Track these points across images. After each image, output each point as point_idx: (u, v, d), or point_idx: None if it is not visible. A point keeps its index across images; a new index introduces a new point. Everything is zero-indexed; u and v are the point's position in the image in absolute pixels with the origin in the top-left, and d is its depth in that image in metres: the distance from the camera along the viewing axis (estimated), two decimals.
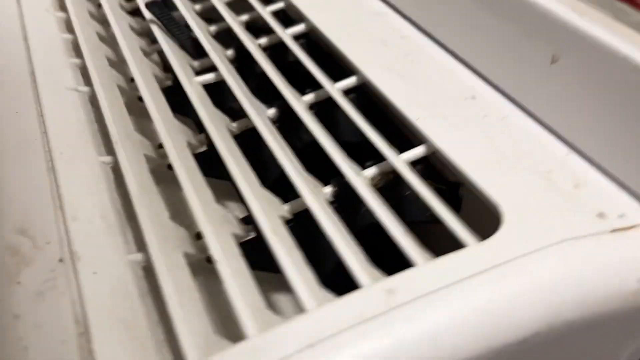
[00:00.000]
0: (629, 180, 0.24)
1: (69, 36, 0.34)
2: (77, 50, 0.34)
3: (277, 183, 0.25)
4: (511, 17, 0.28)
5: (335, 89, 0.28)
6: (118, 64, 0.33)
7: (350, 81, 0.29)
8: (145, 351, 0.18)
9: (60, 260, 0.21)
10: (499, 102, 0.28)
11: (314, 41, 0.33)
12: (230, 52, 0.33)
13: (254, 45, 0.31)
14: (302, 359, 0.17)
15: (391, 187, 0.25)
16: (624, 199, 0.23)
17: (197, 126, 0.29)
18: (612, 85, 0.24)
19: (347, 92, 0.29)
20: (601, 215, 0.22)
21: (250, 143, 0.27)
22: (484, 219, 0.22)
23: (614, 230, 0.22)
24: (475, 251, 0.20)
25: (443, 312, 0.18)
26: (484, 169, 0.23)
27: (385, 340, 0.18)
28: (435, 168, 0.26)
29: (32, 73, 0.30)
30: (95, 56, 0.31)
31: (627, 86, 0.24)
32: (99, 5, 0.38)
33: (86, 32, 0.33)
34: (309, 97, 0.29)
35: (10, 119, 0.27)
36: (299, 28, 0.33)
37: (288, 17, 0.35)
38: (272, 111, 0.28)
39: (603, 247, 0.21)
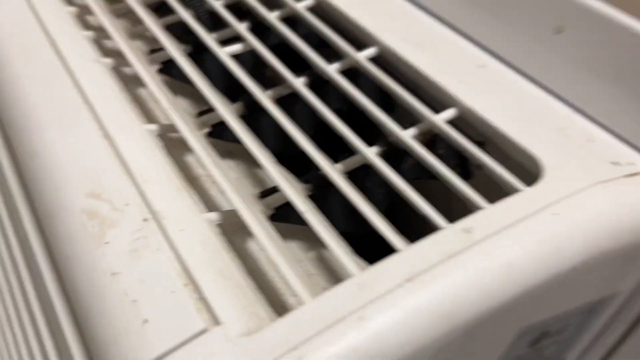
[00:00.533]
0: (628, 135, 0.28)
1: (72, 9, 0.34)
2: (85, 23, 0.34)
3: (325, 142, 0.27)
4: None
5: (362, 57, 0.30)
6: (134, 37, 0.33)
7: (371, 51, 0.31)
8: (248, 298, 0.20)
9: (145, 219, 0.22)
10: (505, 71, 0.31)
11: (327, 14, 0.34)
12: (245, 24, 0.34)
13: (271, 16, 0.33)
14: (404, 291, 0.19)
15: (430, 144, 0.27)
16: (626, 150, 0.27)
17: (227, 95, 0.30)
18: (612, 53, 0.28)
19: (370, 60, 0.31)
20: (616, 163, 0.26)
21: (291, 107, 0.28)
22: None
23: (629, 175, 0.25)
24: (528, 195, 0.23)
25: (516, 246, 0.21)
26: (515, 126, 0.26)
27: (471, 272, 0.20)
28: (460, 129, 0.29)
29: (54, 44, 0.30)
30: (115, 29, 0.31)
31: (627, 53, 0.27)
32: None
33: (98, 4, 0.33)
34: (336, 65, 0.30)
35: (47, 88, 0.27)
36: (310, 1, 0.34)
37: None
38: (302, 79, 0.30)
39: (624, 188, 0.25)
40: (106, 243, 0.21)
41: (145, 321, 0.19)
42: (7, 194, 0.28)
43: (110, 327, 0.19)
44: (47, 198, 0.24)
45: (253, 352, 0.18)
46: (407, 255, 0.20)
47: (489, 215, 0.22)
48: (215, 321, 0.19)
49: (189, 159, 0.29)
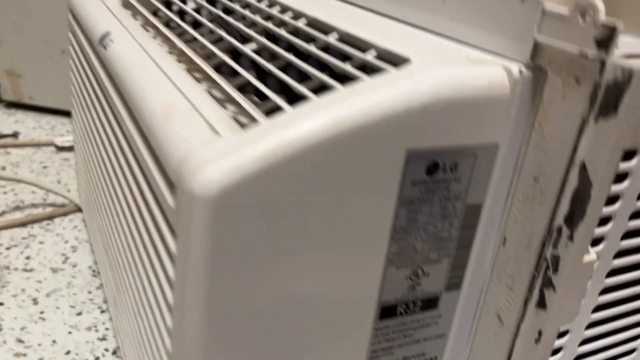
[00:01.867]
0: (484, 45, 0.44)
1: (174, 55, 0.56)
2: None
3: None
4: None
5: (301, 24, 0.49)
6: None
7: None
8: (232, 123, 0.38)
9: (189, 109, 0.41)
10: (409, 29, 0.49)
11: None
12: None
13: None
14: (320, 110, 0.37)
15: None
16: (482, 54, 0.43)
17: None
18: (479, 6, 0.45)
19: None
20: (471, 60, 0.42)
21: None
22: None
23: (473, 62, 0.42)
24: (395, 71, 0.40)
25: (384, 89, 0.38)
26: (407, 50, 0.44)
27: (356, 102, 0.37)
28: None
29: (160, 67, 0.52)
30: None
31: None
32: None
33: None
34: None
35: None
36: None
37: None
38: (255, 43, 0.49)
39: (468, 66, 0.41)
40: (173, 121, 0.41)
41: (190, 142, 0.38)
42: (120, 116, 0.49)
43: (178, 149, 0.38)
44: (143, 111, 0.44)
45: (238, 140, 0.36)
46: (319, 98, 0.38)
47: (368, 80, 0.39)
48: (217, 133, 0.37)
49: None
